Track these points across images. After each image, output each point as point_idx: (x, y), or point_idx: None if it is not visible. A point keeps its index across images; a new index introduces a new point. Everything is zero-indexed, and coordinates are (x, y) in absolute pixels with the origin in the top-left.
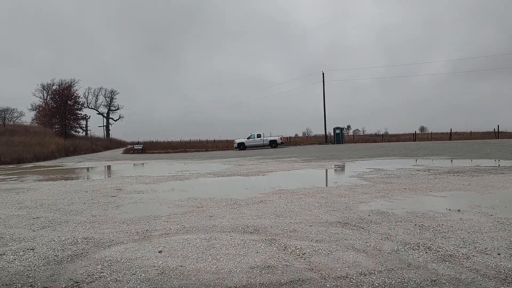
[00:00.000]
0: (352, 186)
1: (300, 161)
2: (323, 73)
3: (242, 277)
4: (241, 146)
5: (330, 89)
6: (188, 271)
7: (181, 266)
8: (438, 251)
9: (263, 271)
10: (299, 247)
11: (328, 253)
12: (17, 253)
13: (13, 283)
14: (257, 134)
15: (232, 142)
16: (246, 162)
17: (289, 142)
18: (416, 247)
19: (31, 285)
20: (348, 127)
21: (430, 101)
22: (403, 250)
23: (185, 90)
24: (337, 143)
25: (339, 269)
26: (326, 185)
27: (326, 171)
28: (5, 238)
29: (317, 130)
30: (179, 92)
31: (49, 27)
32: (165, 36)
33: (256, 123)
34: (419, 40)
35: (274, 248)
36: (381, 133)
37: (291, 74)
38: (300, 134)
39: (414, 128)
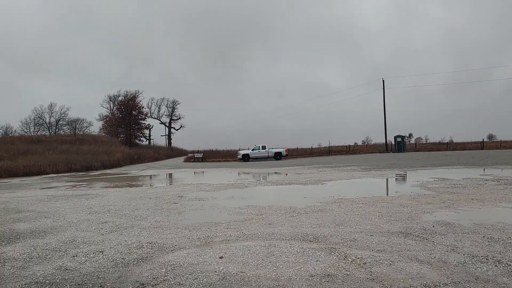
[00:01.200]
0: (414, 195)
1: (360, 170)
2: (383, 80)
3: (302, 284)
4: (246, 158)
5: (392, 96)
6: (249, 277)
7: (242, 272)
8: (509, 265)
9: (323, 280)
10: (360, 256)
11: (390, 264)
12: (88, 255)
13: (85, 283)
14: (261, 146)
15: (291, 151)
16: (305, 171)
17: (348, 151)
18: (485, 260)
19: (101, 286)
20: (410, 135)
21: (499, 107)
22: (470, 262)
23: (246, 99)
24: (398, 152)
25: (402, 280)
26: (387, 195)
27: (387, 180)
28: (77, 241)
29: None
30: (240, 101)
31: (117, 38)
32: (229, 45)
33: (315, 132)
34: (489, 43)
35: (334, 257)
36: (445, 142)
37: (353, 81)
38: (360, 143)
39: (481, 136)
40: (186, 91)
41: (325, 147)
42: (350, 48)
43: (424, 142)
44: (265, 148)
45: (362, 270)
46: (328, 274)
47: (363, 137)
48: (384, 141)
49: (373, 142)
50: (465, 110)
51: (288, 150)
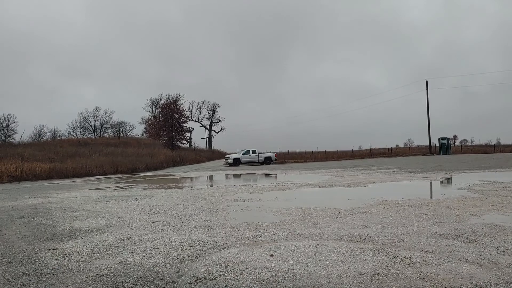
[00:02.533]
0: (461, 198)
1: (403, 173)
2: (426, 81)
3: (353, 282)
4: (237, 162)
5: (437, 96)
6: (300, 274)
7: (293, 269)
8: None
9: (373, 278)
10: (409, 256)
11: (440, 264)
12: (145, 251)
13: (146, 277)
14: (252, 150)
15: (332, 153)
16: (347, 173)
17: (390, 153)
18: None
19: (161, 279)
20: (455, 137)
21: None
22: None
23: (287, 101)
24: (442, 154)
25: (452, 279)
26: (433, 197)
27: (432, 182)
28: (133, 238)
29: (420, 140)
30: (280, 102)
31: (158, 41)
32: (269, 45)
33: (356, 134)
34: None
35: (383, 257)
36: (492, 144)
37: (396, 81)
38: (402, 145)
39: None
40: (226, 93)
41: (366, 149)
42: (395, 46)
43: (470, 145)
44: (255, 153)
45: (412, 270)
46: (378, 273)
47: (405, 139)
48: (427, 143)
49: (415, 144)
50: None
51: (276, 155)
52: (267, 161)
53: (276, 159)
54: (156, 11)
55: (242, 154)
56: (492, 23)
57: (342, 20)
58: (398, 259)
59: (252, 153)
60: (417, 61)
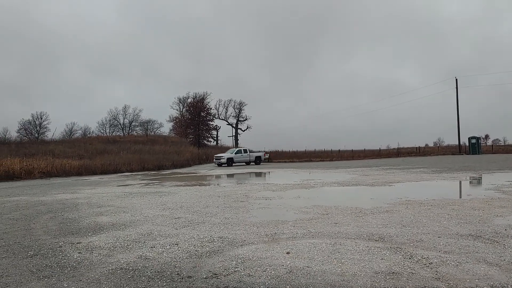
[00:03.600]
0: (488, 199)
1: (430, 172)
2: (456, 80)
3: (367, 280)
4: (230, 162)
5: (470, 94)
6: (315, 272)
7: (308, 267)
8: None
9: (388, 277)
10: (426, 256)
11: (457, 265)
12: (165, 247)
13: (164, 271)
14: (243, 149)
15: (358, 152)
16: (372, 172)
17: (418, 152)
18: None
19: (178, 274)
20: (486, 136)
21: None
22: None
23: (315, 98)
24: (472, 154)
25: (468, 280)
26: (458, 197)
27: (459, 183)
28: (154, 234)
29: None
30: (308, 100)
31: (186, 38)
32: (298, 41)
33: (385, 133)
34: None
35: (400, 256)
36: None
37: (430, 78)
38: (431, 144)
39: None
40: (253, 91)
41: (394, 148)
42: (429, 42)
43: (502, 144)
44: (247, 152)
45: (428, 270)
46: (393, 272)
47: (434, 138)
48: (457, 143)
49: (445, 144)
50: None
51: (266, 154)
52: (257, 160)
53: (265, 158)
54: (186, 8)
55: (235, 153)
56: None
57: (375, 15)
58: (415, 258)
59: (244, 152)
60: (453, 58)
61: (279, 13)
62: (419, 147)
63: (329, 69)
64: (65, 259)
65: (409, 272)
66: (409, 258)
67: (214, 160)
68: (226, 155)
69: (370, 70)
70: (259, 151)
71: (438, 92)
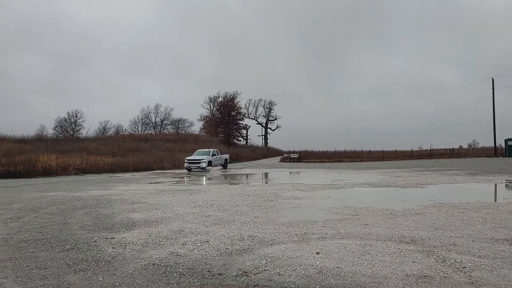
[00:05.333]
0: None
1: (464, 175)
2: (492, 80)
3: (398, 283)
4: (210, 164)
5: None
6: (344, 273)
7: (338, 268)
8: None
9: (419, 280)
10: (459, 260)
11: (492, 270)
12: (196, 244)
13: (194, 267)
14: (215, 151)
15: (389, 153)
16: (403, 174)
17: (451, 154)
18: None
19: (208, 271)
20: None
21: None
22: None
23: (348, 97)
24: (509, 157)
25: (503, 286)
26: (493, 201)
27: (495, 186)
28: (185, 231)
29: (486, 142)
30: (339, 99)
31: (218, 36)
32: (334, 39)
33: (418, 133)
34: None
35: (432, 260)
36: None
37: (470, 77)
38: (465, 146)
39: None
40: (284, 89)
41: (426, 150)
42: (472, 39)
43: None
44: (219, 154)
45: (461, 274)
46: (425, 275)
47: (469, 140)
48: (493, 145)
49: (480, 146)
50: None
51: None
52: (225, 163)
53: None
54: (217, 4)
55: (211, 155)
56: None
57: (413, 10)
58: (448, 262)
59: (217, 154)
60: (496, 55)
61: (312, 8)
62: (453, 149)
63: (363, 67)
64: (100, 253)
65: (442, 276)
66: (442, 262)
67: (185, 164)
68: (205, 157)
69: (406, 68)
70: (226, 153)
71: (476, 91)
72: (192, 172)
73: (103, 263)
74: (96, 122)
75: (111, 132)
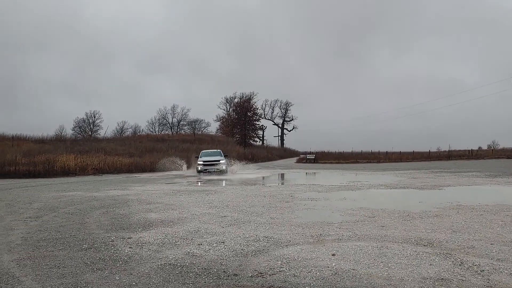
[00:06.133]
0: None
1: (483, 176)
2: None
3: (414, 286)
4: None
5: None
6: (360, 275)
7: (353, 270)
8: None
9: (436, 283)
10: (477, 264)
11: (511, 273)
12: (211, 244)
13: (210, 268)
14: (219, 152)
15: (406, 154)
16: (421, 175)
17: (470, 155)
18: None
19: (224, 271)
20: None
21: None
22: None
23: (366, 98)
24: None
25: None
26: None
27: None
28: (201, 231)
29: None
30: (357, 99)
31: (235, 34)
32: (352, 37)
33: (437, 135)
34: None
35: (449, 262)
36: None
37: (492, 76)
38: (484, 147)
39: None
40: (301, 90)
41: (444, 151)
42: (495, 37)
43: None
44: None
45: (479, 277)
46: (442, 278)
47: (488, 141)
48: None
49: (500, 147)
50: None
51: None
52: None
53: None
54: (236, 3)
55: (223, 155)
56: None
57: (434, 7)
58: (466, 265)
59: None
60: None
61: (330, 8)
62: (472, 150)
63: (381, 66)
64: (117, 253)
65: (459, 279)
66: (460, 265)
67: (199, 166)
68: (221, 159)
69: (426, 67)
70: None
71: (497, 91)
72: (209, 172)
73: (120, 262)
74: (113, 122)
75: (128, 132)
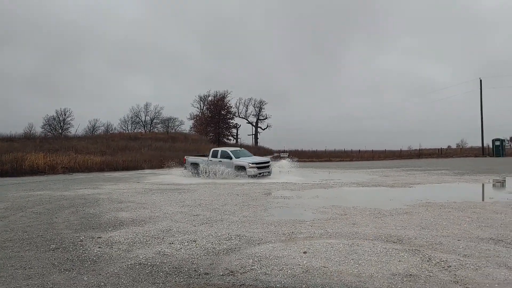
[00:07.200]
0: (510, 202)
1: (452, 174)
2: (480, 80)
3: (383, 282)
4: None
5: (501, 94)
6: (331, 272)
7: (324, 267)
8: None
9: (405, 279)
10: (445, 259)
11: (477, 268)
12: (183, 243)
13: (181, 267)
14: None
15: (379, 152)
16: (392, 173)
17: (440, 154)
18: None
19: (195, 270)
20: (511, 138)
21: None
22: None
23: (341, 96)
24: (496, 156)
25: (487, 285)
26: (480, 200)
27: (482, 186)
28: (173, 230)
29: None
30: (332, 97)
31: (211, 32)
32: (329, 35)
33: (408, 133)
34: None
35: (418, 259)
36: None
37: (464, 76)
38: (454, 146)
39: None
40: (276, 88)
41: (415, 149)
42: (469, 37)
43: None
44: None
45: (446, 273)
46: (410, 274)
47: (457, 139)
48: (480, 145)
49: (468, 146)
50: None
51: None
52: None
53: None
54: (211, 1)
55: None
56: None
57: (408, 8)
58: (434, 261)
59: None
60: (489, 55)
61: (306, 6)
62: (441, 149)
63: (356, 65)
64: (85, 253)
65: (427, 275)
66: (428, 261)
67: (251, 170)
68: (268, 160)
69: (401, 66)
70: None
71: (466, 91)
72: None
73: (89, 262)
74: (85, 120)
75: (100, 130)
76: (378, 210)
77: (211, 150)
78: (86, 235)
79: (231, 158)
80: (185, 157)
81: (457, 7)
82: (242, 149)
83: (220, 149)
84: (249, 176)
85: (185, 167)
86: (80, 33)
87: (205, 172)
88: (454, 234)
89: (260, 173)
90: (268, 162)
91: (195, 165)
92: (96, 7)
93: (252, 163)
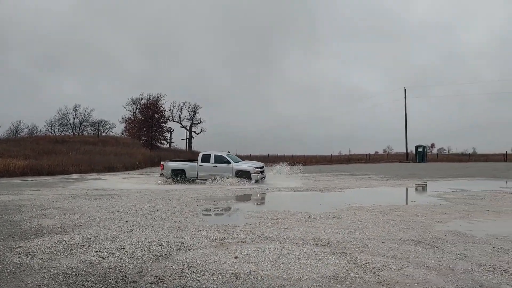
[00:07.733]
0: (430, 205)
1: (378, 179)
2: (405, 90)
3: (312, 285)
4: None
5: (429, 103)
6: (261, 276)
7: (255, 272)
8: None
9: (332, 281)
10: (370, 261)
11: (398, 269)
12: (110, 251)
13: (108, 276)
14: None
15: (310, 158)
16: (323, 178)
17: (368, 159)
18: (492, 269)
19: (122, 279)
20: (432, 145)
21: None
22: (477, 271)
23: (276, 101)
24: (418, 162)
25: (408, 284)
26: (403, 204)
27: (406, 189)
28: (100, 238)
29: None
30: (268, 103)
31: (146, 34)
32: (265, 40)
33: (339, 139)
34: None
35: (345, 261)
36: (468, 153)
37: (391, 84)
38: (381, 152)
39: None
40: (212, 92)
41: (345, 155)
42: (397, 46)
43: (447, 153)
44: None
45: (370, 274)
46: (337, 276)
47: (384, 146)
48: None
49: (394, 151)
50: (500, 120)
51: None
52: None
53: None
54: (145, 1)
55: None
56: (501, 30)
57: (344, 15)
58: (359, 263)
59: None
60: (415, 65)
61: (242, 10)
62: (369, 154)
63: (293, 70)
64: (3, 264)
65: (353, 277)
66: (354, 263)
67: (256, 175)
68: (262, 164)
69: (333, 73)
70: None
71: (393, 99)
72: (114, 176)
73: (7, 274)
74: (7, 122)
75: (24, 133)
76: (309, 214)
77: (201, 154)
78: (5, 244)
79: (229, 163)
80: (162, 162)
81: (390, 18)
82: (229, 152)
83: (212, 153)
84: (254, 181)
85: (162, 174)
86: (3, 27)
87: (197, 179)
88: (379, 236)
89: (263, 178)
90: (263, 166)
91: (179, 171)
92: (22, 0)
93: (256, 168)
